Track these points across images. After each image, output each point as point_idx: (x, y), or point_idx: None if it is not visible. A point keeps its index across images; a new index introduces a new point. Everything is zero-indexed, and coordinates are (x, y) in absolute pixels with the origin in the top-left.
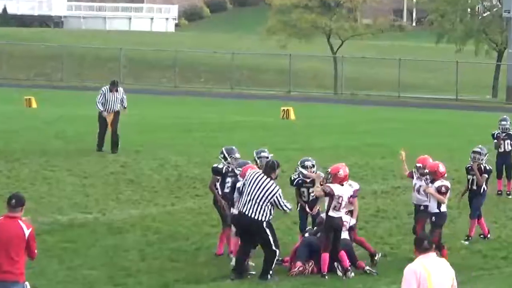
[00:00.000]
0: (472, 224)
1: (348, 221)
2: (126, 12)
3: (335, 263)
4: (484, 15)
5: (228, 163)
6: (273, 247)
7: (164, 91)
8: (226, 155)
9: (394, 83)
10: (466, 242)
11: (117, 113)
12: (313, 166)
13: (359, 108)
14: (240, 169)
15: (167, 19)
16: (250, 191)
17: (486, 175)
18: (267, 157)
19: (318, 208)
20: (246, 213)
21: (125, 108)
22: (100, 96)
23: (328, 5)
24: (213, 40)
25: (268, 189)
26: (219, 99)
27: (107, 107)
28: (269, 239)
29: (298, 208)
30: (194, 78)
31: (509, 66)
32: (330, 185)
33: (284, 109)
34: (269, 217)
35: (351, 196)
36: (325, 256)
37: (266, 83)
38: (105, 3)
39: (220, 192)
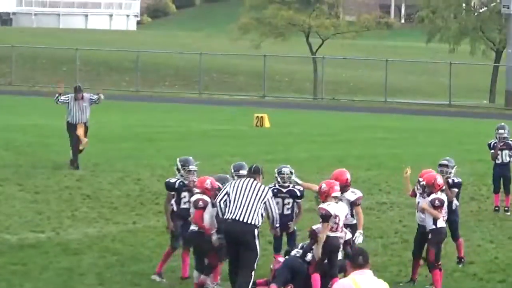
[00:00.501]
0: (459, 245)
1: (343, 236)
2: (82, 8)
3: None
4: (481, 11)
5: (182, 176)
6: (253, 269)
7: (124, 96)
8: (180, 166)
9: (380, 87)
10: (460, 265)
11: (85, 127)
12: (292, 173)
13: (342, 114)
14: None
15: (128, 16)
16: (238, 196)
17: (456, 189)
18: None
19: (294, 227)
20: (238, 218)
21: (95, 102)
22: (61, 100)
23: (307, 1)
24: (179, 40)
25: (259, 190)
26: (186, 104)
27: (73, 118)
28: (255, 255)
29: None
30: (158, 82)
31: (508, 67)
32: (323, 205)
33: (258, 116)
34: (260, 223)
35: (348, 213)
36: (316, 277)
37: (238, 87)
38: None
39: (175, 209)
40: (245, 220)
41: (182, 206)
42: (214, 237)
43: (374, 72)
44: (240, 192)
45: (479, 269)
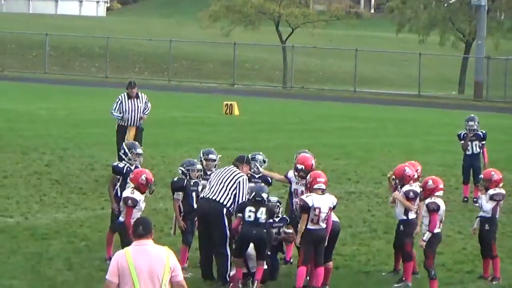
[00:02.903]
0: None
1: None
2: None
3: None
4: (451, 1)
5: (129, 159)
6: (226, 246)
7: (94, 82)
8: (127, 150)
9: (350, 77)
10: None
11: (139, 130)
12: (265, 162)
13: (311, 103)
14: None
15: (98, 2)
16: (214, 179)
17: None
18: (215, 160)
19: None
20: (209, 196)
21: (144, 115)
22: (116, 105)
23: None
24: (149, 26)
25: (234, 172)
26: (155, 91)
27: (126, 121)
28: (224, 236)
29: None
30: (128, 68)
31: (477, 59)
32: (303, 196)
33: (227, 104)
34: (231, 204)
35: (333, 206)
36: (302, 271)
37: (207, 74)
38: None
39: (119, 193)
40: (215, 198)
41: None
42: None
43: (343, 62)
44: (218, 176)
45: (447, 259)
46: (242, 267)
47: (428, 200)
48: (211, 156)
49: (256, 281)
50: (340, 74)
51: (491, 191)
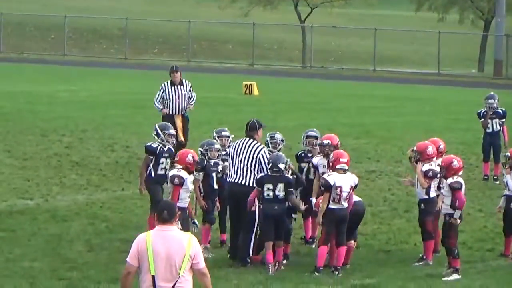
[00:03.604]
0: None
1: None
2: None
3: None
4: None
5: (162, 140)
6: (253, 229)
7: (113, 63)
8: (159, 131)
9: (369, 56)
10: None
11: (185, 118)
12: (283, 141)
13: (330, 83)
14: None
15: None
16: (236, 158)
17: None
18: (228, 136)
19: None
20: (236, 181)
21: (190, 105)
22: (159, 94)
23: None
24: (167, 7)
25: (252, 148)
26: None
27: (170, 110)
28: (253, 217)
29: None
30: (147, 50)
31: (497, 37)
32: (325, 175)
33: (246, 84)
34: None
35: (354, 186)
36: (322, 250)
37: (226, 55)
38: None
39: (153, 174)
40: (242, 183)
41: (159, 172)
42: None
43: (363, 41)
44: (237, 155)
45: (468, 238)
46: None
47: (450, 180)
48: (224, 133)
49: (277, 263)
50: (359, 53)
51: None
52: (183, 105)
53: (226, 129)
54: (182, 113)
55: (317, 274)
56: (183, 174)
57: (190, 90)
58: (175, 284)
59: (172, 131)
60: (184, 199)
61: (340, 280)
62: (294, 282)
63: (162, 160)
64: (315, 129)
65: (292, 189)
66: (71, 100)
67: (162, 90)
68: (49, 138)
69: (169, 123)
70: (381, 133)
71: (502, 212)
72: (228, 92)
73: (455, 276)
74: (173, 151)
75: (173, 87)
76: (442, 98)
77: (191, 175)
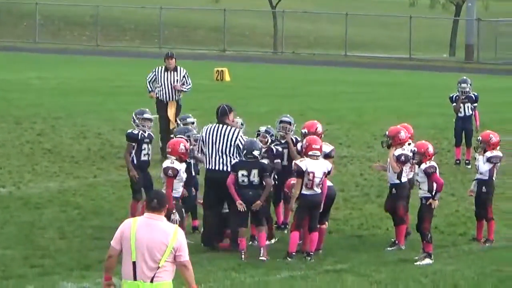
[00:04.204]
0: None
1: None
2: None
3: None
4: None
5: (138, 125)
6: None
7: (85, 50)
8: (135, 117)
9: (341, 41)
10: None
11: (178, 106)
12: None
13: (302, 68)
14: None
15: None
16: (213, 146)
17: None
18: (193, 123)
19: None
20: (217, 168)
21: (183, 91)
22: (150, 76)
23: None
24: None
25: (229, 134)
26: (146, 59)
27: (162, 95)
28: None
29: None
30: (118, 36)
31: (468, 21)
32: (297, 161)
33: (218, 70)
34: None
35: (328, 172)
36: (295, 235)
37: (198, 41)
38: None
39: (135, 161)
40: (224, 169)
41: (142, 158)
42: (175, 217)
43: (334, 26)
44: (213, 142)
45: (440, 222)
46: (245, 237)
47: (424, 166)
48: (189, 120)
49: (262, 248)
50: (330, 38)
51: (488, 153)
52: (173, 90)
53: (190, 115)
54: (176, 99)
55: (289, 259)
56: (177, 165)
57: (184, 76)
58: (155, 273)
59: (147, 115)
60: (178, 189)
61: (312, 266)
62: (267, 268)
63: (144, 146)
64: (288, 115)
65: (267, 173)
66: (43, 88)
67: (153, 73)
68: (21, 125)
69: (146, 109)
70: (353, 118)
71: (474, 196)
72: (200, 78)
73: (427, 261)
74: (153, 136)
75: (166, 73)
76: (413, 83)
77: (184, 164)
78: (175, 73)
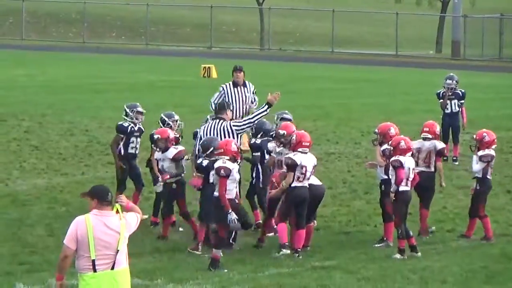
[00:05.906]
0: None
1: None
2: None
3: None
4: None
5: (131, 118)
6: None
7: (71, 47)
8: (128, 110)
9: (327, 38)
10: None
11: None
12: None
13: (288, 65)
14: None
15: None
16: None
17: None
18: (176, 120)
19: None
20: None
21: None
22: (217, 96)
23: None
24: None
25: (225, 132)
26: (133, 56)
27: (233, 115)
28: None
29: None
30: (105, 33)
31: (454, 18)
32: (291, 155)
33: (205, 67)
34: None
35: (315, 165)
36: (282, 227)
37: (184, 38)
38: None
39: (122, 152)
40: None
41: (129, 150)
42: (231, 216)
43: (321, 23)
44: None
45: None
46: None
47: (392, 158)
48: (176, 117)
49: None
50: (317, 35)
51: (480, 153)
52: (244, 109)
53: (173, 112)
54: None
55: (284, 250)
56: (229, 165)
57: (253, 93)
58: (114, 261)
59: (140, 109)
60: (232, 190)
61: (300, 262)
62: (255, 264)
63: (133, 139)
64: (286, 111)
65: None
66: (30, 85)
67: (222, 92)
68: (8, 122)
69: (137, 103)
70: (340, 115)
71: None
72: (186, 75)
73: (397, 256)
74: (143, 130)
75: (235, 89)
76: (400, 79)
77: (236, 164)
78: (245, 88)
